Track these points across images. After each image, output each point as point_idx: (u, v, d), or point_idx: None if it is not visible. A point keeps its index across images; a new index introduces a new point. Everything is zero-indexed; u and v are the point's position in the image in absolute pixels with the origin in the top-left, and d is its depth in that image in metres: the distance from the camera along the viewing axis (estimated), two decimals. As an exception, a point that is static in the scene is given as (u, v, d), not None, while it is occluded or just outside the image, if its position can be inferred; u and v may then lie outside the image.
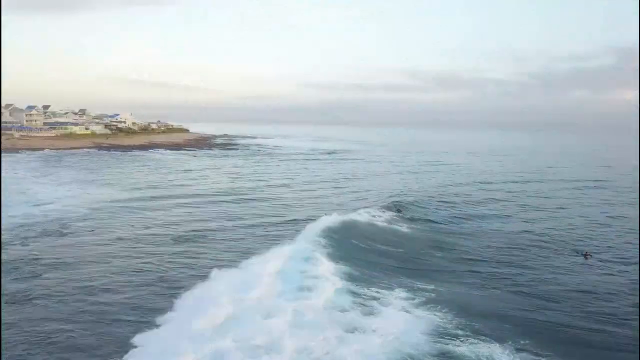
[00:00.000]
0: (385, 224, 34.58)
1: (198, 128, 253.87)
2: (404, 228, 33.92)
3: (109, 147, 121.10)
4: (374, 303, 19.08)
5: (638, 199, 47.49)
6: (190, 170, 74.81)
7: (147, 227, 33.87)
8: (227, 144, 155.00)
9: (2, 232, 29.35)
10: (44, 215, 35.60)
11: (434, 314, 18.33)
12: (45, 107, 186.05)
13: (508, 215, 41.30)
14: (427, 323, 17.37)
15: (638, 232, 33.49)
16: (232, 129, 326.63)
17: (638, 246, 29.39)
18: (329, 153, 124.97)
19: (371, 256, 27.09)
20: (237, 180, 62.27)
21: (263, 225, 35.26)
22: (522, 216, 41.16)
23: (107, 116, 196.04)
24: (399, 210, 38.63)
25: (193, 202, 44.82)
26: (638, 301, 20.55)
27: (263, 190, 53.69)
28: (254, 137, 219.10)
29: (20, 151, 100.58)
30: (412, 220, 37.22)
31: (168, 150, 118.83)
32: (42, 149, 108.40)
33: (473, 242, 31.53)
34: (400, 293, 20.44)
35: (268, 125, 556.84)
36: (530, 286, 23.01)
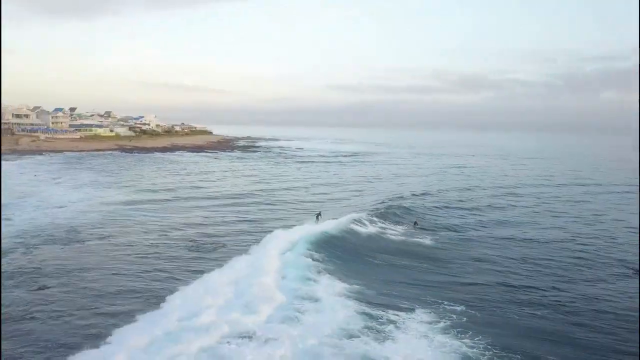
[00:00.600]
0: (402, 236, 32.21)
1: (221, 130, 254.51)
2: (426, 240, 31.42)
3: (132, 149, 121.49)
4: (390, 327, 16.82)
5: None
6: (209, 172, 73.63)
7: (158, 231, 32.38)
8: (249, 147, 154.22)
9: (6, 239, 28.15)
10: (51, 221, 34.38)
11: (462, 341, 15.95)
12: (72, 109, 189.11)
13: (539, 223, 38.29)
14: (454, 353, 15.02)
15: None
16: (255, 131, 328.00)
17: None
18: (351, 155, 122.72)
19: (385, 271, 24.84)
20: (253, 184, 60.62)
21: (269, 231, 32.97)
22: (555, 223, 38.12)
23: (132, 118, 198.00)
24: (416, 223, 35.69)
25: (207, 205, 43.46)
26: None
27: (276, 193, 51.95)
28: (277, 140, 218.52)
29: (43, 153, 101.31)
30: (434, 229, 34.79)
31: (189, 153, 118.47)
32: (66, 151, 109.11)
33: (503, 252, 28.92)
34: (420, 315, 18.10)
35: (291, 127, 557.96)
36: (575, 305, 20.27)
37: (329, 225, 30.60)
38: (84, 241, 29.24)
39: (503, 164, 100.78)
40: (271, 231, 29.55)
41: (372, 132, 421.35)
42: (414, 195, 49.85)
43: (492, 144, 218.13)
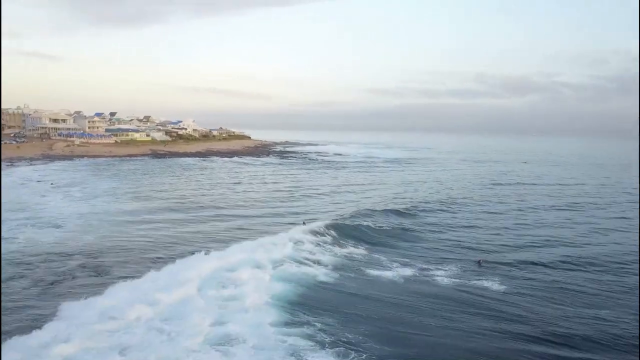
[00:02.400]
0: (456, 279, 24.72)
1: (260, 135, 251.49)
2: (493, 283, 23.93)
3: (165, 155, 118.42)
4: None
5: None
6: (235, 181, 67.99)
7: (153, 259, 26.41)
8: (285, 152, 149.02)
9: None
10: (29, 247, 28.90)
11: None
12: (112, 113, 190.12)
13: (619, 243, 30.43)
14: None
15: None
16: (294, 135, 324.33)
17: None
18: (392, 161, 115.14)
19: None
20: (279, 201, 54.29)
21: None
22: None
23: (170, 123, 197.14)
24: (480, 262, 26.74)
25: (214, 216, 37.87)
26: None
27: (301, 203, 45.33)
28: (315, 144, 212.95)
29: (74, 158, 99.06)
30: (503, 265, 27.19)
31: (223, 158, 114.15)
32: (97, 156, 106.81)
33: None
34: None
35: (330, 131, 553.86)
36: None
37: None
38: (57, 283, 22.64)
39: (564, 173, 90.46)
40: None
41: (413, 137, 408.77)
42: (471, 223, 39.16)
43: (541, 149, 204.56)
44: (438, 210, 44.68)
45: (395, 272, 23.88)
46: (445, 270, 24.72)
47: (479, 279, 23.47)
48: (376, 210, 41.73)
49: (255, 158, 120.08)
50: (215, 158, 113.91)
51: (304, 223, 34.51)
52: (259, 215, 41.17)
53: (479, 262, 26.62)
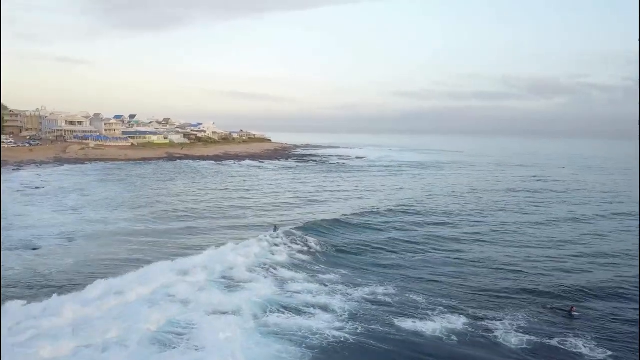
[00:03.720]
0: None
1: (282, 138, 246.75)
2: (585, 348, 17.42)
3: (180, 158, 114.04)
4: None
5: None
6: (245, 186, 62.39)
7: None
8: (305, 155, 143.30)
9: None
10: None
11: None
12: (132, 116, 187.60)
13: None
14: None
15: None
16: (317, 138, 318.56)
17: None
18: (417, 165, 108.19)
19: None
20: (289, 198, 48.48)
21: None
22: None
23: (190, 125, 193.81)
24: (571, 311, 19.47)
25: (201, 228, 32.04)
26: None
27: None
28: (337, 147, 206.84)
29: (86, 162, 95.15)
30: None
31: (240, 162, 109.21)
32: (111, 159, 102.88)
33: None
34: None
35: (354, 134, 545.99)
36: None
37: None
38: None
39: (608, 179, 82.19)
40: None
41: (438, 139, 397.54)
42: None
43: (575, 153, 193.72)
44: (479, 222, 38.19)
45: (440, 323, 17.43)
46: (512, 321, 17.88)
47: (567, 338, 16.69)
48: (405, 222, 35.49)
49: (273, 161, 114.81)
50: (232, 162, 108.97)
51: (275, 229, 30.27)
52: (252, 226, 35.32)
53: (570, 310, 19.38)
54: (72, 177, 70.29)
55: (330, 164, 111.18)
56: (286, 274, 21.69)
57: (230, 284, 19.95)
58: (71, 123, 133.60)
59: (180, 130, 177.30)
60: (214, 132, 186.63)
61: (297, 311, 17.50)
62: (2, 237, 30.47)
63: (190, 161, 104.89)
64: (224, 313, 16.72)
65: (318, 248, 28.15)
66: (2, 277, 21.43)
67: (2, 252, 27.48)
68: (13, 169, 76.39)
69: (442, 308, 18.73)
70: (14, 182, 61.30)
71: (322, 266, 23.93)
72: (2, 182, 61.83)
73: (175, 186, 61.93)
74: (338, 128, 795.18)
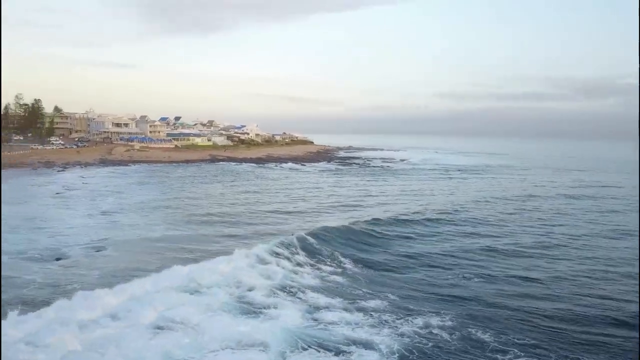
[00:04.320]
0: None
1: (324, 140, 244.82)
2: None
3: (223, 160, 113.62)
4: None
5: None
6: (285, 188, 59.88)
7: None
8: (348, 158, 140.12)
9: None
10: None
11: None
12: (177, 118, 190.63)
13: None
14: None
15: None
16: (359, 140, 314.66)
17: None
18: (463, 169, 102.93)
19: None
20: (330, 203, 45.41)
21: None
22: None
23: (234, 127, 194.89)
24: None
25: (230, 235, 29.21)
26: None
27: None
28: (380, 149, 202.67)
29: (129, 164, 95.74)
30: None
31: (282, 164, 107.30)
32: (154, 161, 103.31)
33: None
34: None
35: (396, 136, 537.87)
36: None
37: None
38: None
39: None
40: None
41: (484, 141, 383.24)
42: None
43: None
44: (543, 234, 33.91)
45: None
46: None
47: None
48: (458, 233, 31.67)
49: (315, 164, 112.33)
50: (275, 164, 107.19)
51: (304, 238, 28.01)
52: (285, 233, 32.50)
53: None
54: (113, 179, 70.09)
55: (374, 166, 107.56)
56: (319, 299, 18.59)
57: (249, 309, 17.11)
58: (117, 125, 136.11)
59: (223, 132, 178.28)
60: (257, 135, 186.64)
61: (335, 349, 14.38)
62: (20, 245, 29.12)
63: (232, 164, 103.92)
64: (244, 347, 13.88)
65: (357, 265, 25.04)
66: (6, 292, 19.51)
67: (25, 262, 25.93)
68: (58, 170, 77.36)
69: (516, 350, 14.97)
70: (56, 183, 61.44)
71: (363, 289, 20.59)
72: (44, 183, 62.41)
73: (213, 189, 60.33)
74: (379, 129, 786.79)
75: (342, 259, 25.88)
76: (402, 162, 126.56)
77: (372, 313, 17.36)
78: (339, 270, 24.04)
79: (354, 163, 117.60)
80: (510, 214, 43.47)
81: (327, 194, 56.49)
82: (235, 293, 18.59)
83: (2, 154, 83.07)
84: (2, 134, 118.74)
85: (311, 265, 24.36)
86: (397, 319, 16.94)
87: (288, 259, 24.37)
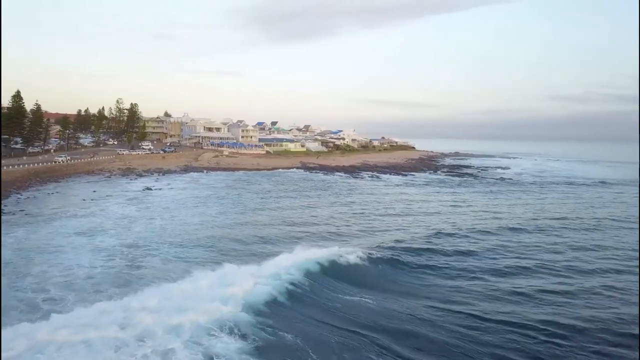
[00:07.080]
0: None
1: (425, 145, 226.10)
2: None
3: (314, 168, 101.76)
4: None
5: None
6: (383, 210, 45.73)
7: None
8: (457, 166, 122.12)
9: None
10: None
11: None
12: (273, 123, 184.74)
13: None
14: None
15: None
16: (463, 145, 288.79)
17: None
18: (598, 184, 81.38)
19: None
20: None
21: None
22: None
23: (330, 132, 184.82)
24: None
25: None
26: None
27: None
28: (491, 156, 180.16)
29: (210, 172, 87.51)
30: None
31: (379, 175, 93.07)
32: (241, 169, 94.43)
33: None
34: None
35: (504, 141, 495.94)
36: None
37: None
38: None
39: None
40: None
41: (605, 148, 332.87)
42: None
43: None
44: None
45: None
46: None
47: None
48: None
49: (418, 173, 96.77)
50: (371, 174, 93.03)
51: None
52: None
53: None
54: (186, 190, 61.02)
55: (492, 178, 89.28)
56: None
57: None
58: (208, 129, 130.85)
59: (319, 137, 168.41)
60: (353, 140, 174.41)
61: None
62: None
63: (321, 174, 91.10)
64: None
65: None
66: None
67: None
68: (131, 180, 70.15)
69: None
70: (118, 197, 53.04)
71: None
72: (107, 194, 54.77)
73: (290, 206, 48.23)
74: (485, 134, 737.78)
75: None
76: (524, 172, 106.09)
77: None
78: None
79: (466, 173, 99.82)
80: None
81: (444, 220, 41.53)
82: None
83: (84, 159, 78.67)
84: (100, 138, 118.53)
85: None
86: None
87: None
